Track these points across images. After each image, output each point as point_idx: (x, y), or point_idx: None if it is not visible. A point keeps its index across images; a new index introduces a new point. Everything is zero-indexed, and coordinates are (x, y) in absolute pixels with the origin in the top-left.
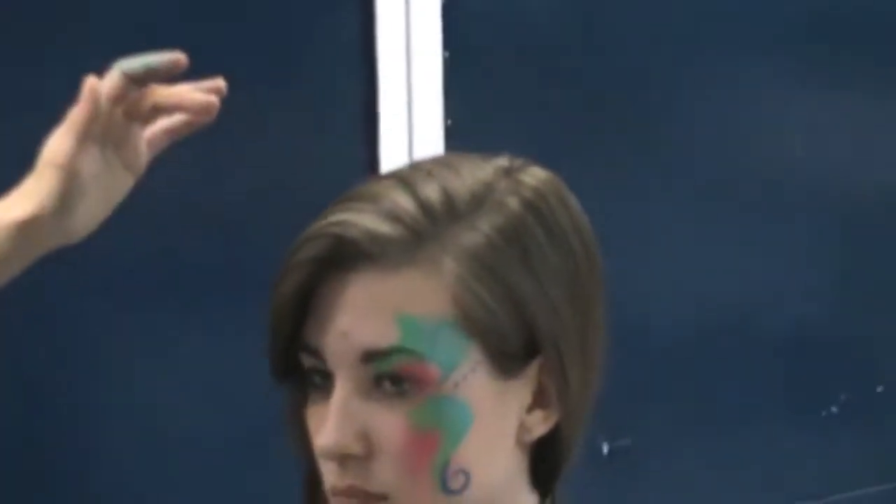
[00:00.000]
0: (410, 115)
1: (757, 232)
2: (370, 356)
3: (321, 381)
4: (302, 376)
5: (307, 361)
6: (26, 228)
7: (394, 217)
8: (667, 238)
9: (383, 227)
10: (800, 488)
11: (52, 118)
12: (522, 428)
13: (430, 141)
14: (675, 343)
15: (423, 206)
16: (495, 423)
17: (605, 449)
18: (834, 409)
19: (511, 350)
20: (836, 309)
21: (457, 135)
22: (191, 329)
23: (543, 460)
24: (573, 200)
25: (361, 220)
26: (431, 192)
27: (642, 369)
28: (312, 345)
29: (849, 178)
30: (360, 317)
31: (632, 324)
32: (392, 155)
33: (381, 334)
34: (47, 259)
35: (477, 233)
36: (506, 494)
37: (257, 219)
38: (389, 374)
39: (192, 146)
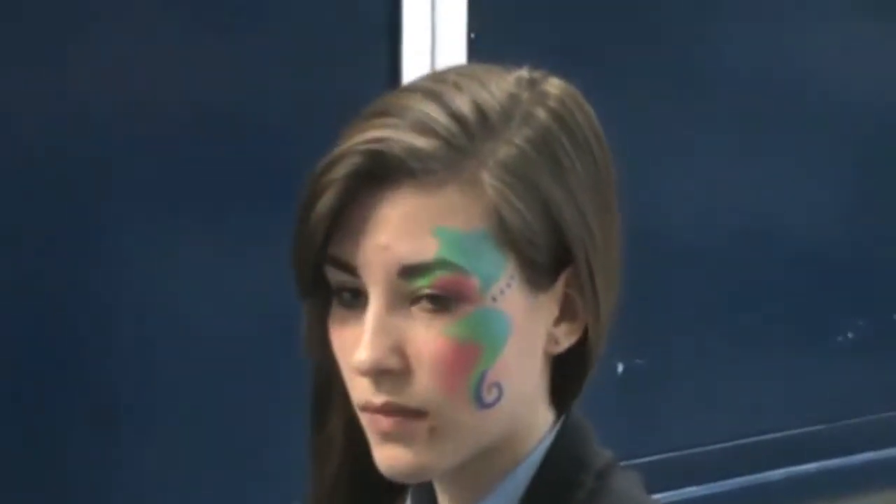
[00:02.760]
0: (434, 27)
1: (778, 156)
2: (410, 270)
3: (350, 299)
4: (325, 292)
5: (336, 277)
6: None
7: (431, 132)
8: (687, 158)
9: (423, 143)
10: (811, 412)
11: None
12: (550, 340)
13: (453, 54)
14: (692, 265)
15: (458, 119)
16: (528, 337)
17: (620, 369)
18: (850, 335)
19: (543, 262)
20: (855, 236)
21: (480, 48)
22: (210, 238)
23: (563, 376)
24: (589, 107)
25: (401, 135)
26: (463, 105)
27: (658, 291)
28: (345, 260)
29: (873, 100)
30: (399, 231)
31: (648, 244)
32: (414, 67)
33: (421, 248)
34: (68, 168)
35: (511, 146)
36: (527, 409)
37: (279, 129)
38: (430, 290)
39: (214, 55)
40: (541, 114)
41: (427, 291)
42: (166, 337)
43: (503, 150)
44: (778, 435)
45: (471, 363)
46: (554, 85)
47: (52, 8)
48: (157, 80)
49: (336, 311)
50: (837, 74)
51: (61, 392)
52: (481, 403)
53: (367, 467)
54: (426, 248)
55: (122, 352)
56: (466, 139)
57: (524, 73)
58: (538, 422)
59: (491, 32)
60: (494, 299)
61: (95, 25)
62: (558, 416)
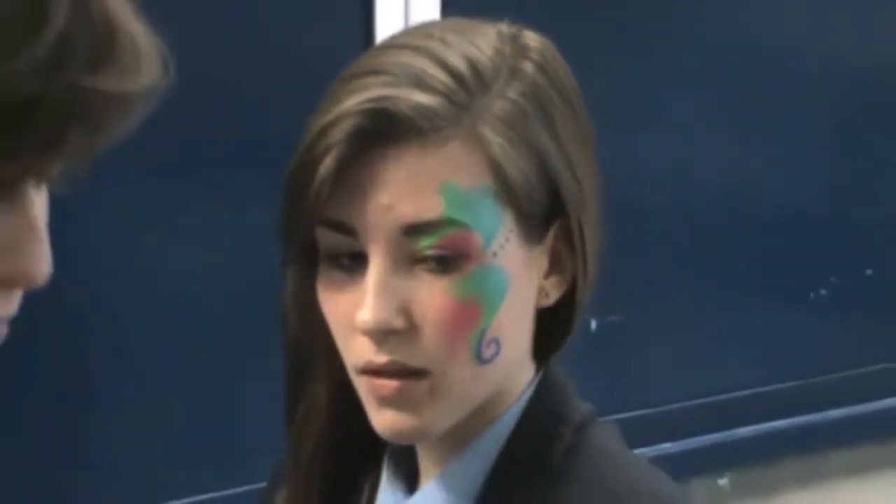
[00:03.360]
0: None
1: (753, 112)
2: (415, 229)
3: (347, 259)
4: (313, 255)
5: (329, 241)
6: None
7: (432, 89)
8: (662, 115)
9: (427, 100)
10: (786, 368)
11: None
12: (541, 293)
13: (427, 8)
14: (666, 220)
15: (455, 75)
16: (523, 291)
17: (594, 325)
18: (823, 292)
19: (537, 216)
20: (828, 192)
21: (452, 2)
22: (196, 199)
23: (545, 331)
24: (564, 62)
25: (403, 93)
26: (457, 61)
27: (633, 246)
28: (343, 222)
29: (849, 63)
30: (403, 190)
31: (623, 200)
32: (387, 23)
33: (427, 207)
34: None
35: (505, 100)
36: (514, 364)
37: (252, 89)
38: (435, 250)
39: (188, 14)
40: (528, 67)
41: (432, 252)
42: (148, 319)
43: (498, 105)
44: (752, 391)
45: (473, 320)
46: (532, 38)
47: None
48: None
49: (327, 274)
50: (813, 36)
51: (40, 375)
52: (481, 359)
53: (349, 434)
54: (432, 206)
55: (104, 336)
56: (465, 94)
57: (503, 27)
58: (521, 377)
59: None
60: (495, 255)
61: None
62: (538, 370)
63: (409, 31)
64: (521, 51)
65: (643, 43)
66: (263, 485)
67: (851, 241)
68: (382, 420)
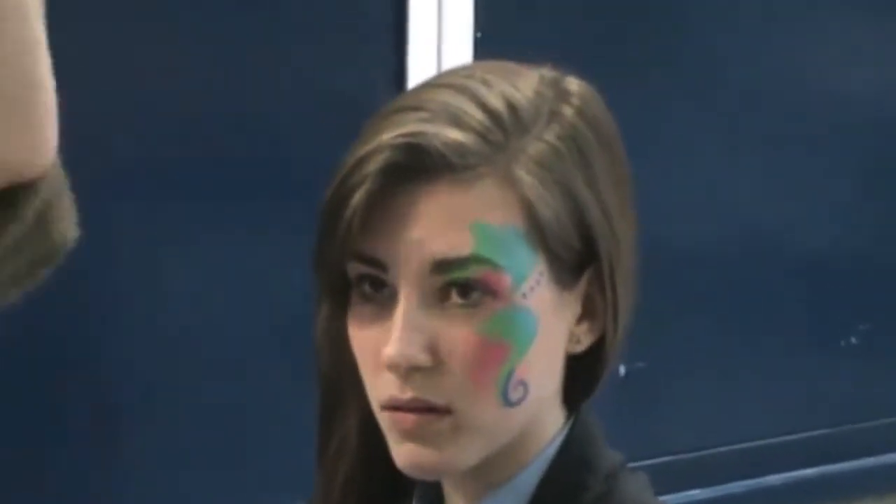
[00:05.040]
0: (440, 24)
1: (782, 157)
2: (444, 266)
3: (373, 293)
4: (345, 290)
5: (360, 272)
6: None
7: (467, 126)
8: (690, 158)
9: (460, 136)
10: (816, 416)
11: None
12: (572, 339)
13: (459, 53)
14: (694, 266)
15: (492, 114)
16: (553, 335)
17: (623, 371)
18: (853, 339)
19: (570, 260)
20: (859, 238)
21: (485, 47)
22: (215, 237)
23: (575, 376)
24: (607, 108)
25: (437, 129)
26: (496, 101)
27: (661, 291)
28: (375, 256)
29: (876, 104)
30: (434, 226)
31: (651, 244)
32: (420, 66)
33: (456, 244)
34: (79, 155)
35: (543, 143)
36: (543, 409)
37: (286, 128)
38: (463, 283)
39: (221, 53)
40: (567, 111)
41: (460, 289)
42: (171, 332)
43: (535, 147)
44: (781, 439)
45: (500, 361)
46: (574, 83)
47: None
48: (168, 79)
49: (358, 308)
50: (842, 79)
51: (62, 386)
52: (508, 402)
53: (378, 470)
54: (462, 243)
55: (125, 346)
56: (501, 134)
57: (545, 71)
58: (551, 422)
59: (496, 31)
60: (525, 296)
61: (103, 25)
62: (568, 416)
63: (451, 71)
64: (562, 95)
65: (671, 82)
66: None
67: (882, 287)
68: (403, 453)
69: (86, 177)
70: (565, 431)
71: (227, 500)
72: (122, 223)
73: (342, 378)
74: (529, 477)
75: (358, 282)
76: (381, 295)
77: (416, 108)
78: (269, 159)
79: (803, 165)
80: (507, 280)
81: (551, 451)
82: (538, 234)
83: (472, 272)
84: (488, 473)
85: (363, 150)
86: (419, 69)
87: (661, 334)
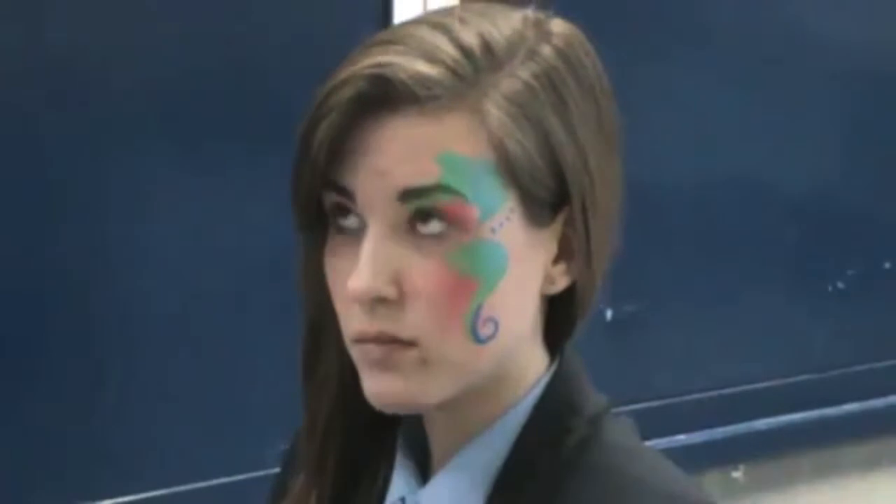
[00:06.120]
0: None
1: (773, 103)
2: (410, 195)
3: (346, 223)
4: (323, 223)
5: (331, 200)
6: None
7: (437, 60)
8: (683, 104)
9: (428, 69)
10: (801, 362)
11: None
12: (547, 279)
13: None
14: (682, 211)
15: (464, 50)
16: (526, 273)
17: (609, 315)
18: (840, 285)
19: (543, 198)
20: (847, 184)
21: None
22: (205, 179)
23: (556, 318)
24: (594, 52)
25: (405, 61)
26: (470, 37)
27: (649, 235)
28: (344, 185)
29: (872, 53)
30: (399, 157)
31: (639, 187)
32: (405, 6)
33: (422, 173)
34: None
35: (516, 80)
36: (522, 351)
37: (270, 68)
38: (428, 213)
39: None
40: (546, 51)
41: (426, 212)
42: (160, 279)
43: (507, 83)
44: (767, 384)
45: (467, 295)
46: (559, 25)
47: None
48: (150, 22)
49: (332, 241)
50: (837, 25)
51: (54, 337)
52: (477, 338)
53: (361, 410)
54: (428, 172)
55: (115, 297)
56: (472, 69)
57: (529, 12)
58: (532, 365)
59: None
60: (493, 231)
61: None
62: (552, 359)
63: (434, 11)
64: (544, 35)
65: (664, 31)
66: (274, 471)
67: (870, 233)
68: (371, 385)
69: (79, 114)
70: (549, 374)
71: (215, 438)
72: (110, 160)
73: (323, 315)
74: (513, 420)
75: (333, 214)
76: (352, 227)
77: (391, 42)
78: (255, 102)
79: (794, 110)
80: (474, 212)
81: (535, 394)
82: (508, 169)
83: (438, 201)
84: (469, 417)
85: (334, 80)
86: (404, 9)
87: (647, 279)
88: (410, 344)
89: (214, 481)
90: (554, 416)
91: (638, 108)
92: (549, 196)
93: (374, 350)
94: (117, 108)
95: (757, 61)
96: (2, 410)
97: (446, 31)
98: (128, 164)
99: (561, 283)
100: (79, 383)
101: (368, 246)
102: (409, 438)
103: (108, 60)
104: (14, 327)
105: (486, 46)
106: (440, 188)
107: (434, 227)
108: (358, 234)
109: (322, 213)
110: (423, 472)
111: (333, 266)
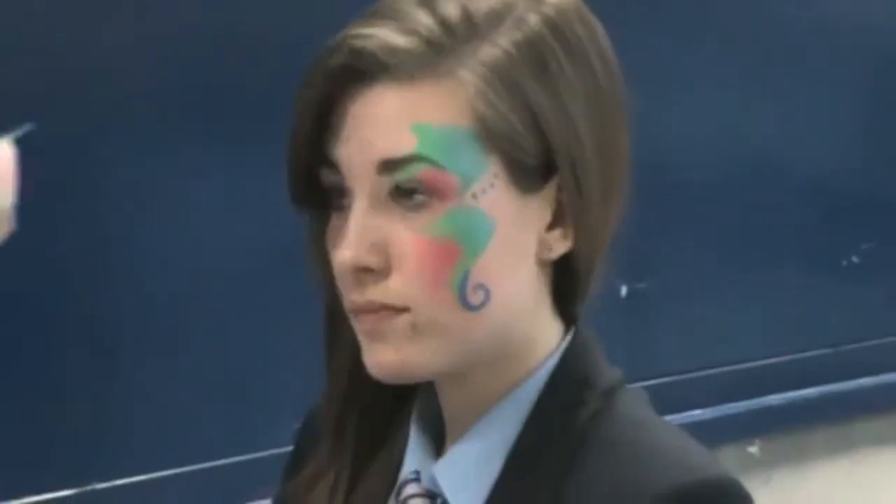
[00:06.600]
0: None
1: (785, 76)
2: (388, 166)
3: (346, 205)
4: (324, 200)
5: (328, 178)
6: None
7: (412, 31)
8: (696, 82)
9: (399, 40)
10: (816, 336)
11: None
12: (542, 245)
13: None
14: (697, 186)
15: (442, 21)
16: (515, 239)
17: (624, 291)
18: (855, 259)
19: (529, 165)
20: (860, 158)
21: None
22: (208, 163)
23: (563, 289)
24: (595, 23)
25: (381, 33)
26: (451, 8)
27: (663, 212)
28: (331, 157)
29: (885, 30)
30: (378, 128)
31: (653, 165)
32: None
33: (398, 143)
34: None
35: (495, 47)
36: (528, 318)
37: (269, 65)
38: (407, 184)
39: None
40: (533, 20)
41: (404, 189)
42: (169, 263)
43: (485, 50)
44: (783, 359)
45: (450, 262)
46: None
47: None
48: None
49: (332, 223)
50: (851, 4)
51: (61, 320)
52: (467, 305)
53: (371, 386)
54: (404, 143)
55: (124, 279)
56: (447, 38)
57: None
58: (544, 336)
59: None
60: (475, 197)
61: None
62: (565, 333)
63: None
64: (535, 4)
65: (674, 10)
66: (288, 449)
67: (884, 208)
68: (369, 356)
69: (87, 104)
70: (562, 348)
71: (229, 417)
72: (110, 160)
73: (333, 296)
74: (527, 393)
75: (332, 196)
76: (347, 206)
77: (377, 16)
78: (259, 99)
79: (806, 86)
80: (453, 180)
81: (548, 367)
82: (488, 135)
83: (416, 171)
84: (481, 390)
85: (318, 54)
86: None
87: (661, 255)
88: (403, 309)
89: (227, 460)
90: (568, 389)
91: (651, 91)
92: (535, 162)
93: (366, 320)
94: (117, 107)
95: (771, 39)
96: (11, 399)
97: (430, 4)
98: (128, 164)
99: (558, 249)
100: (91, 366)
101: (352, 217)
102: (424, 412)
103: (108, 60)
104: (24, 317)
105: (467, 16)
106: (416, 158)
107: (413, 197)
108: (349, 210)
109: (322, 194)
110: (438, 446)
111: (331, 245)
